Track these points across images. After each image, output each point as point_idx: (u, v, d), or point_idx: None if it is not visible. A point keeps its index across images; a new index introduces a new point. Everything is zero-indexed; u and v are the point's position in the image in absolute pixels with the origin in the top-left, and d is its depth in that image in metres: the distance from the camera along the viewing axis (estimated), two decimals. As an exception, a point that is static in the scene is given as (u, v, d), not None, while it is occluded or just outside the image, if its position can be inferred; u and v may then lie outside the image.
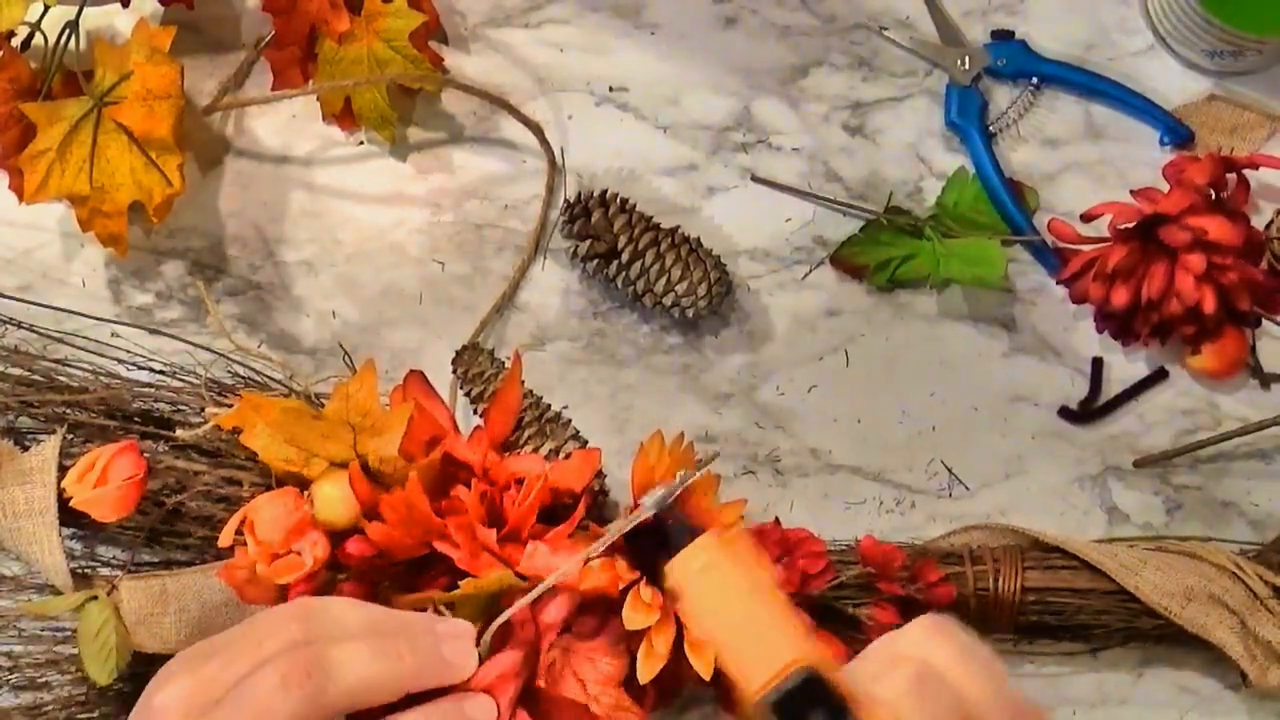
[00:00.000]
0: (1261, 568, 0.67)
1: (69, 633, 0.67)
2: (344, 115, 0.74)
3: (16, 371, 0.69)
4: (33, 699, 0.67)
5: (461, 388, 0.71)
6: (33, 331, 0.71)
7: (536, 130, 0.73)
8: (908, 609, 0.66)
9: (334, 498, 0.62)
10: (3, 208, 0.72)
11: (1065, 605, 0.67)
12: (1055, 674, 0.70)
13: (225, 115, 0.76)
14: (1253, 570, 0.66)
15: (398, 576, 0.64)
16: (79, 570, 0.67)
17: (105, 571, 0.69)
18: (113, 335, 0.72)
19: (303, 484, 0.64)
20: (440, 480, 0.64)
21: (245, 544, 0.62)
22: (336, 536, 0.63)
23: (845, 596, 0.66)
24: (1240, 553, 0.68)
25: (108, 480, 0.64)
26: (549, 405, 0.70)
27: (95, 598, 0.65)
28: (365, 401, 0.63)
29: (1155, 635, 0.67)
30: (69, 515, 0.65)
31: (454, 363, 0.71)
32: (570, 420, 0.70)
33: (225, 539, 0.63)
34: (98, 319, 0.72)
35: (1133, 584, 0.66)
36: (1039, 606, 0.67)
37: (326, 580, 0.62)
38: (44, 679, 0.67)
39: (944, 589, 0.66)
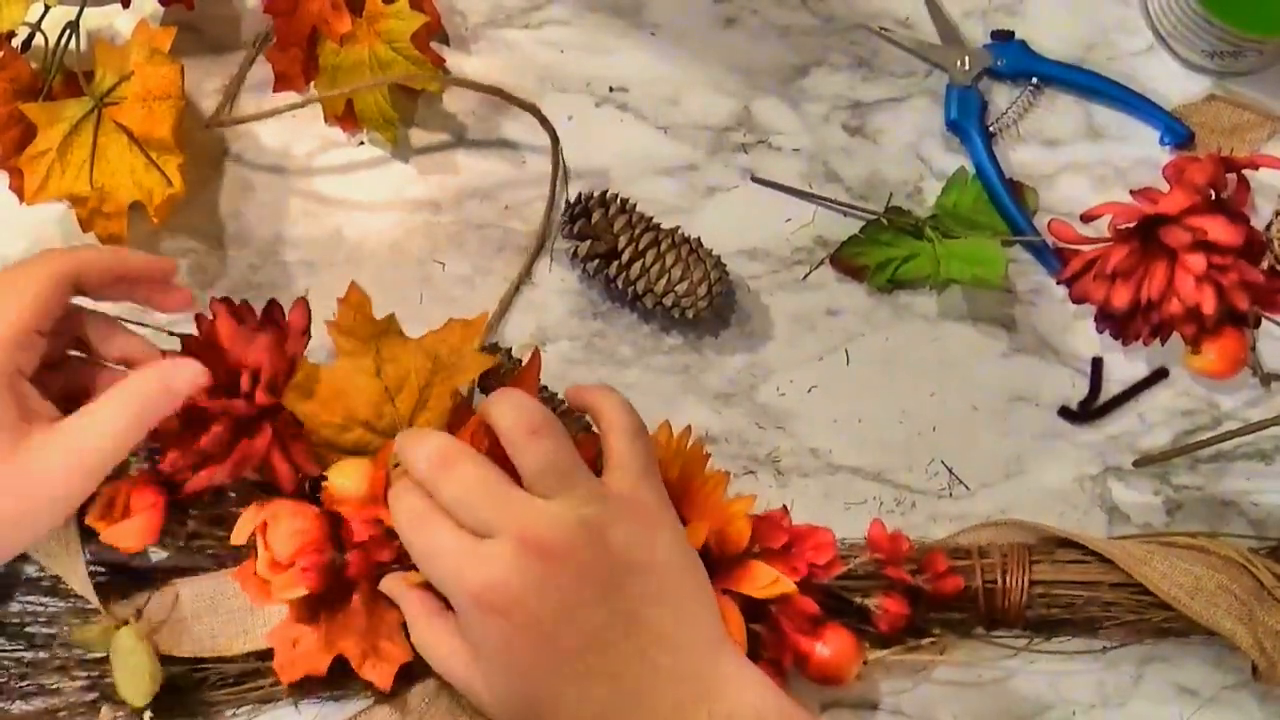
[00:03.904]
0: (1270, 561, 0.67)
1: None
2: (346, 117, 0.74)
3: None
4: (43, 704, 0.67)
5: (479, 385, 0.71)
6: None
7: (535, 112, 0.73)
8: (916, 599, 0.66)
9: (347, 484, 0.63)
10: (3, 208, 0.72)
11: (1074, 598, 0.67)
12: (1056, 673, 0.70)
13: (225, 113, 0.76)
14: (1261, 562, 0.66)
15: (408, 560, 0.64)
16: (96, 581, 0.67)
17: (119, 579, 0.69)
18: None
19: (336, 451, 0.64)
20: None
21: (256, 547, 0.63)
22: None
23: (854, 587, 0.66)
24: (1250, 550, 0.68)
25: (130, 513, 0.64)
26: (563, 400, 0.70)
27: (126, 622, 0.65)
28: (463, 344, 0.65)
29: (1164, 629, 0.67)
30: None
31: (480, 336, 0.71)
32: (583, 414, 0.70)
33: (239, 537, 0.63)
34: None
35: (1141, 573, 0.66)
36: (1047, 599, 0.67)
37: (334, 559, 0.62)
38: (55, 685, 0.67)
39: (951, 580, 0.66)
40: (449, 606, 0.58)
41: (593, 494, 0.57)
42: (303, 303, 0.66)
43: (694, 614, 0.58)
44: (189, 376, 0.60)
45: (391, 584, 0.61)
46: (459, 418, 0.65)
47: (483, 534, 0.56)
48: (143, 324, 0.72)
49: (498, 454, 0.59)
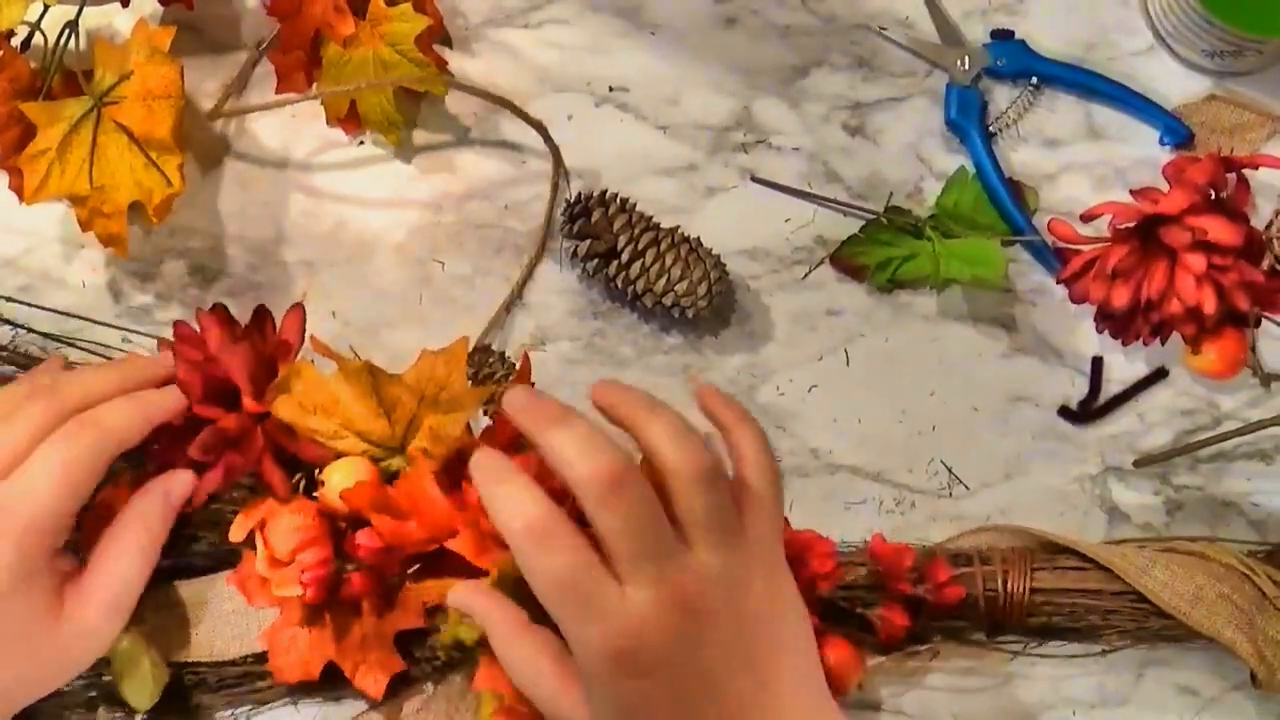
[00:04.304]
0: (1270, 568, 0.67)
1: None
2: (349, 119, 0.74)
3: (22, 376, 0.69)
4: (43, 704, 0.67)
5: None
6: (33, 333, 0.71)
7: (540, 129, 0.73)
8: (917, 608, 0.66)
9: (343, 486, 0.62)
10: (3, 208, 0.72)
11: (1075, 606, 0.67)
12: (1056, 674, 0.70)
13: (230, 104, 0.76)
14: (1262, 570, 0.66)
15: (415, 571, 0.64)
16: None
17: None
18: (124, 339, 0.72)
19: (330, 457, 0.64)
20: (449, 479, 0.64)
21: (254, 546, 0.63)
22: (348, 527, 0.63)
23: (854, 597, 0.66)
24: (1249, 553, 0.68)
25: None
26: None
27: (126, 629, 0.65)
28: (448, 376, 0.63)
29: (1164, 636, 0.67)
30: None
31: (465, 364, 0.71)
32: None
33: (238, 534, 0.63)
34: (100, 322, 0.72)
35: (1142, 583, 0.66)
36: (1049, 607, 0.67)
37: (336, 569, 0.62)
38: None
39: (953, 589, 0.66)
40: (533, 616, 0.56)
41: (741, 549, 0.54)
42: (298, 310, 0.66)
43: (808, 673, 0.56)
44: (182, 483, 0.62)
45: (466, 596, 0.57)
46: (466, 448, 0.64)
47: (626, 575, 0.52)
48: (132, 330, 0.73)
49: (552, 485, 0.54)
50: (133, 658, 0.64)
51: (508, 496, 0.53)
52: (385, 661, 0.64)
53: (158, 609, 0.66)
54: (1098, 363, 0.73)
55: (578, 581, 0.51)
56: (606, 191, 0.72)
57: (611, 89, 0.76)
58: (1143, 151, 0.75)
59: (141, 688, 0.64)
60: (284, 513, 0.62)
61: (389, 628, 0.64)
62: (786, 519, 0.67)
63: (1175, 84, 0.76)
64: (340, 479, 0.62)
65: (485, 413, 0.70)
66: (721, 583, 0.52)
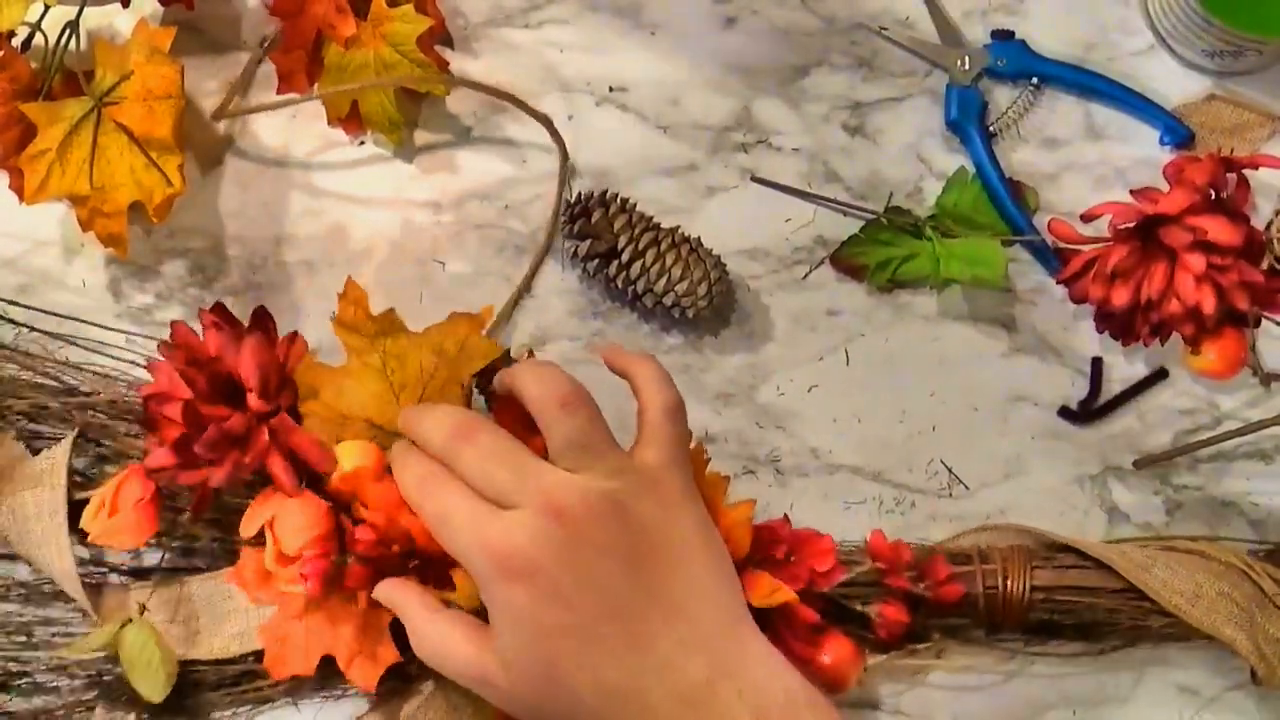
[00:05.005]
0: (1270, 566, 0.67)
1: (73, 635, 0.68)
2: (350, 119, 0.74)
3: (25, 375, 0.69)
4: (42, 703, 0.67)
5: (478, 388, 0.70)
6: (36, 331, 0.71)
7: (545, 121, 0.73)
8: (916, 605, 0.66)
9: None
10: (3, 208, 0.72)
11: (1075, 604, 0.67)
12: (1056, 674, 0.70)
13: (233, 106, 0.76)
14: (1261, 568, 0.66)
15: (414, 566, 0.64)
16: (88, 580, 0.67)
17: (115, 578, 0.69)
18: (128, 340, 0.72)
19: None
20: None
21: (261, 542, 0.63)
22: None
23: (854, 594, 0.66)
24: (1249, 553, 0.68)
25: (118, 509, 0.63)
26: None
27: (131, 620, 0.65)
28: (469, 337, 0.65)
29: (1164, 634, 0.67)
30: (78, 522, 0.65)
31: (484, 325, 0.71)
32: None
33: (248, 530, 0.63)
34: (100, 325, 0.72)
35: (1142, 580, 0.66)
36: (1048, 605, 0.67)
37: (337, 563, 0.62)
38: (53, 684, 0.67)
39: (952, 587, 0.66)
40: (447, 605, 0.59)
41: (618, 468, 0.58)
42: (298, 338, 0.66)
43: (715, 592, 0.58)
44: None
45: (388, 589, 0.61)
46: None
47: (502, 503, 0.56)
48: (131, 333, 0.73)
49: (517, 433, 0.60)
50: (142, 646, 0.64)
51: (404, 466, 0.60)
52: (380, 654, 0.64)
53: (162, 605, 0.66)
54: (1098, 363, 0.73)
55: (460, 511, 0.56)
56: (607, 192, 0.72)
57: (611, 89, 0.76)
58: (1143, 151, 0.75)
59: (153, 678, 0.64)
60: (294, 509, 0.62)
61: (384, 620, 0.64)
62: (788, 516, 0.68)
63: (1175, 84, 0.76)
64: (350, 461, 0.63)
65: (481, 390, 0.70)
66: (594, 496, 0.56)
